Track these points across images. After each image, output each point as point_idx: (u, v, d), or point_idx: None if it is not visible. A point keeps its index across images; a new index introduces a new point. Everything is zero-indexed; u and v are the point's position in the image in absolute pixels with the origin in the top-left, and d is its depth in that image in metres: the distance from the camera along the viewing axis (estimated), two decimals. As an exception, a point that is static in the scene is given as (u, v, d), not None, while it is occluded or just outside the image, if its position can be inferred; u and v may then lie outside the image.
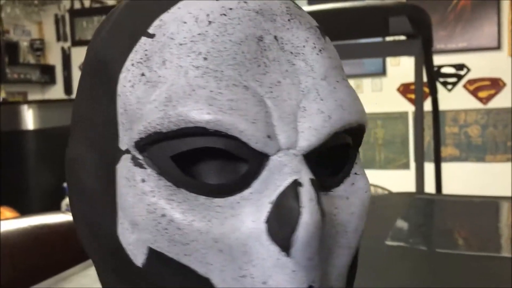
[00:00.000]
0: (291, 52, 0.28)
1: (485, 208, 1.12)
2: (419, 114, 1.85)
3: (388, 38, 2.33)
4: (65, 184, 3.36)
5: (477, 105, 3.85)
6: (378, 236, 0.93)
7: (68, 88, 5.15)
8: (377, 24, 1.97)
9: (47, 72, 5.16)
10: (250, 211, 0.26)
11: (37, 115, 3.47)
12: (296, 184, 0.25)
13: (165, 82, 0.26)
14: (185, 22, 0.27)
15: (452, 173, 3.61)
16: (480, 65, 3.78)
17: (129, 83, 0.27)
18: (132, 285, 0.28)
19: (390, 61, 3.98)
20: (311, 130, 0.27)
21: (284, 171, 0.26)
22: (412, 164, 3.79)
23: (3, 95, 4.69)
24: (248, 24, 0.27)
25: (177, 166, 0.27)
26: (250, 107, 0.26)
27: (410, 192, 1.38)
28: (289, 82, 0.27)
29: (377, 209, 1.16)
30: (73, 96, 5.09)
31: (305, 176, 0.25)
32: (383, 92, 4.02)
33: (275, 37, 0.28)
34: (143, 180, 0.26)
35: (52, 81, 5.19)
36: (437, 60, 3.58)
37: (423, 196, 1.26)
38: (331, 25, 0.40)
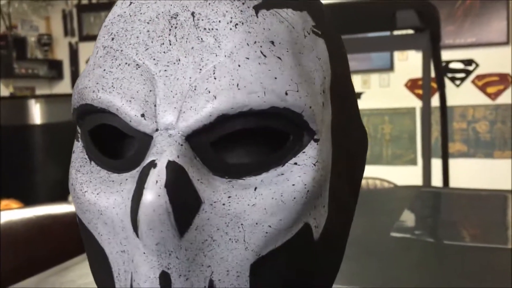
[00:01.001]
0: (205, 28, 0.27)
1: (491, 201, 1.11)
2: (426, 108, 1.84)
3: (396, 32, 2.32)
4: (72, 178, 3.38)
5: (486, 100, 3.82)
6: (384, 228, 0.92)
7: (75, 83, 5.16)
8: (385, 18, 1.95)
9: (55, 67, 5.17)
10: (129, 189, 0.26)
11: (44, 109, 3.49)
12: (151, 165, 0.24)
13: (88, 63, 0.30)
14: (116, 5, 0.30)
15: (460, 169, 3.59)
16: (489, 61, 3.75)
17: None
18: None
19: (397, 56, 3.96)
20: (191, 111, 0.25)
21: (151, 151, 0.25)
22: (420, 160, 3.77)
23: (11, 90, 4.71)
24: (165, 2, 0.27)
25: (107, 142, 0.29)
26: (133, 85, 0.26)
27: (416, 185, 1.37)
28: (190, 60, 0.26)
29: (383, 201, 1.15)
30: (81, 91, 5.10)
31: (164, 158, 0.24)
32: (390, 87, 3.99)
33: (193, 14, 0.27)
34: (73, 151, 0.30)
35: (59, 76, 5.21)
36: (446, 55, 3.55)
37: (429, 189, 1.25)
38: (339, 19, 0.36)
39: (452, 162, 2.39)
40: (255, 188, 0.26)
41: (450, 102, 2.41)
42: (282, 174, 0.27)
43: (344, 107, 0.32)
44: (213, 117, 0.25)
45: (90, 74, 0.28)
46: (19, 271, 0.79)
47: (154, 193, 0.23)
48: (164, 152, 0.24)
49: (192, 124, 0.25)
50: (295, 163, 0.27)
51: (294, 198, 0.26)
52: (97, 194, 0.27)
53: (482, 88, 3.82)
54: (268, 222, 0.26)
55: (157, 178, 0.23)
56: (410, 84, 3.96)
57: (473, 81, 3.84)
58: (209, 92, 0.25)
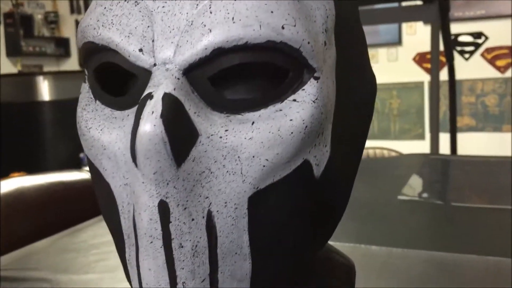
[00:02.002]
0: None
1: (498, 166, 1.11)
2: (435, 78, 1.82)
3: (405, 3, 2.29)
4: (81, 154, 3.40)
5: (495, 74, 3.79)
6: (391, 192, 0.93)
7: (82, 61, 5.16)
8: (393, -11, 1.93)
9: (62, 45, 5.17)
10: (130, 124, 0.26)
11: (52, 86, 3.50)
12: (147, 97, 0.24)
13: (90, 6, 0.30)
14: None
15: (468, 143, 3.58)
16: (499, 33, 3.70)
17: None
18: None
19: (406, 30, 3.91)
20: (187, 45, 0.26)
21: (149, 84, 0.25)
22: (427, 135, 3.76)
23: (19, 68, 4.72)
24: None
25: (111, 82, 0.29)
26: (131, 21, 0.27)
27: (424, 153, 1.37)
28: None
29: (391, 168, 1.16)
30: (88, 68, 5.10)
31: (160, 90, 0.24)
32: (398, 62, 3.96)
33: None
34: (81, 92, 0.31)
35: (67, 53, 5.21)
36: (455, 28, 3.51)
37: (437, 156, 1.25)
38: None
39: (460, 136, 2.38)
40: (253, 123, 0.26)
41: (458, 75, 2.38)
42: (281, 110, 0.27)
43: (351, 51, 0.32)
44: (209, 50, 0.25)
45: (92, 13, 0.28)
46: (32, 235, 0.81)
47: (150, 123, 0.23)
48: (160, 84, 0.25)
49: (188, 58, 0.25)
50: (294, 100, 0.27)
51: (292, 133, 0.26)
52: (101, 130, 0.28)
53: (491, 61, 3.78)
54: (265, 156, 0.26)
55: (152, 109, 0.24)
56: (418, 58, 3.92)
57: (482, 54, 3.80)
58: (205, 26, 0.25)
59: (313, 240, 0.31)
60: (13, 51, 4.70)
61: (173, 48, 0.26)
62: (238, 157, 0.26)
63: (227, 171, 0.26)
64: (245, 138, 0.26)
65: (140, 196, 0.25)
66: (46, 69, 4.99)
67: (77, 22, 5.12)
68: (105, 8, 0.28)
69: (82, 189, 0.99)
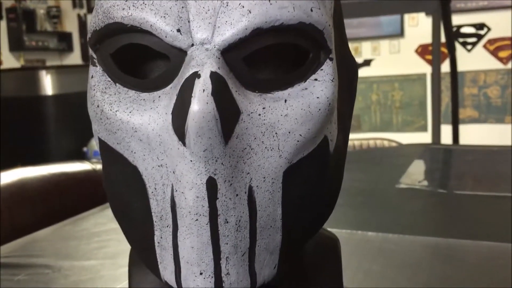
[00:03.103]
0: None
1: (498, 155, 1.11)
2: (436, 69, 1.83)
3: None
4: (85, 148, 3.42)
5: (497, 65, 3.78)
6: (390, 180, 0.94)
7: (85, 55, 5.18)
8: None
9: (64, 40, 5.18)
10: (165, 104, 0.27)
11: (55, 80, 3.51)
12: (194, 75, 0.25)
13: None
14: None
15: (471, 134, 3.58)
16: (501, 24, 3.68)
17: None
18: (103, 174, 0.32)
19: (408, 22, 3.91)
20: (227, 25, 0.26)
21: (191, 64, 0.26)
22: (430, 127, 3.75)
23: (22, 62, 4.74)
24: None
25: (125, 66, 0.29)
26: (165, 2, 0.26)
27: (424, 143, 1.38)
28: None
29: (390, 157, 1.17)
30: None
31: (207, 69, 0.25)
32: (400, 53, 3.95)
33: None
34: (92, 76, 0.30)
35: (69, 48, 5.22)
36: (457, 19, 3.50)
37: (437, 146, 1.26)
38: None
39: (462, 128, 2.38)
40: (285, 100, 0.28)
41: (461, 67, 2.38)
42: (306, 88, 0.28)
43: (341, 34, 0.34)
44: (248, 31, 0.26)
45: None
46: (34, 225, 0.82)
47: (202, 101, 0.24)
48: (205, 63, 0.25)
49: (229, 38, 0.26)
50: (315, 79, 0.28)
51: (319, 109, 0.28)
52: (130, 113, 0.27)
53: (494, 53, 3.77)
54: (299, 131, 0.27)
55: (203, 87, 0.24)
56: (420, 50, 3.91)
57: (484, 46, 3.79)
58: (243, 7, 0.26)
59: (327, 216, 0.33)
60: (16, 45, 4.71)
61: (210, 28, 0.26)
62: (276, 133, 0.27)
63: (265, 147, 0.27)
64: (281, 115, 0.27)
65: (186, 175, 0.25)
66: (48, 63, 5.01)
67: (79, 17, 5.13)
68: None
69: (84, 180, 1.00)
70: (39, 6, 4.98)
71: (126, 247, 0.69)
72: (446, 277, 0.55)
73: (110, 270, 0.60)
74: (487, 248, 0.62)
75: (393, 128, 4.03)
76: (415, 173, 1.00)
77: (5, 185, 0.87)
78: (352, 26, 3.79)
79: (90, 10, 5.08)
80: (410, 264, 0.59)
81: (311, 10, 0.28)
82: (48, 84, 3.49)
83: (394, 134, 3.93)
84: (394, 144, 1.61)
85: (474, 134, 3.67)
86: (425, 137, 3.73)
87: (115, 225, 0.81)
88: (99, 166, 1.05)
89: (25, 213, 0.87)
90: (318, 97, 0.28)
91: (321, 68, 0.29)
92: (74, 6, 5.14)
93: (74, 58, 5.21)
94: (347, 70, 0.34)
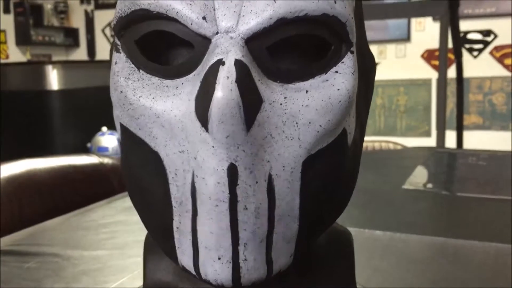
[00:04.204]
0: None
1: (500, 160, 1.12)
2: (442, 71, 1.83)
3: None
4: (89, 144, 3.43)
5: (503, 72, 3.78)
6: (396, 182, 0.94)
7: (91, 51, 5.19)
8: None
9: (71, 35, 5.20)
10: (188, 91, 0.27)
11: (61, 75, 3.52)
12: (219, 63, 0.25)
13: None
14: None
15: (475, 141, 3.58)
16: (508, 32, 3.69)
17: None
18: (122, 160, 0.32)
19: (414, 26, 3.91)
20: (251, 14, 0.26)
21: (215, 51, 0.26)
22: (434, 132, 3.76)
23: (28, 56, 4.76)
24: None
25: (149, 52, 0.29)
26: None
27: (429, 146, 1.38)
28: None
29: (396, 159, 1.17)
30: (96, 58, 5.14)
31: (231, 57, 0.25)
32: (406, 58, 3.96)
33: None
34: (116, 62, 0.30)
35: (75, 44, 5.23)
36: (464, 25, 3.50)
37: (442, 149, 1.27)
38: None
39: (467, 134, 2.39)
40: (306, 91, 0.28)
41: (466, 73, 2.39)
42: (327, 80, 0.28)
43: (361, 30, 0.34)
44: (273, 20, 0.27)
45: None
46: (43, 216, 0.83)
47: (226, 88, 0.24)
48: (229, 51, 0.26)
49: (253, 27, 0.26)
50: (336, 71, 0.29)
51: (340, 101, 0.28)
52: (153, 99, 0.28)
53: (500, 60, 3.77)
54: (319, 122, 0.28)
55: (227, 74, 0.24)
56: (426, 55, 3.91)
57: (491, 52, 3.79)
58: None
59: (343, 209, 0.33)
60: (22, 40, 4.72)
61: (235, 17, 0.27)
62: (296, 123, 0.27)
63: (286, 136, 0.27)
64: (302, 105, 0.27)
65: (208, 161, 0.26)
66: (54, 58, 5.02)
67: (86, 13, 5.14)
68: None
69: (91, 173, 1.01)
70: (46, 1, 5.00)
71: (134, 238, 0.70)
72: (452, 275, 0.56)
73: (118, 260, 0.61)
74: (490, 248, 0.62)
75: (397, 133, 4.03)
76: (421, 176, 1.01)
77: (14, 175, 0.87)
78: (358, 29, 3.77)
79: (97, 6, 5.09)
80: (416, 262, 0.59)
81: (335, 2, 0.28)
82: (54, 79, 3.50)
83: (398, 138, 3.93)
84: (399, 147, 1.62)
85: (478, 141, 3.67)
86: (429, 142, 3.72)
87: (122, 217, 0.82)
88: (106, 160, 1.05)
89: (34, 203, 0.88)
90: (338, 89, 0.28)
91: (342, 61, 0.29)
92: (82, 2, 5.15)
93: (80, 53, 5.23)
94: (366, 64, 0.34)
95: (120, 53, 0.30)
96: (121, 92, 0.29)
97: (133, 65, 0.29)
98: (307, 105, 0.28)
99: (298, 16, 0.27)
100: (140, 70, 0.29)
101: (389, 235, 0.67)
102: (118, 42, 0.30)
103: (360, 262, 0.58)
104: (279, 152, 0.27)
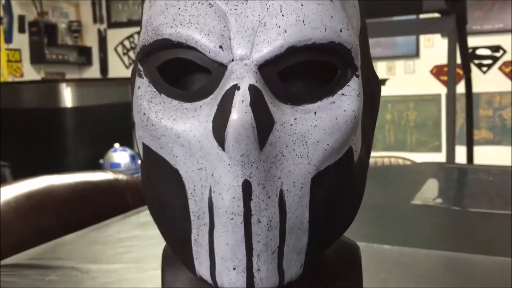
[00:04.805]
0: None
1: (509, 175, 1.13)
2: (451, 87, 1.84)
3: (422, 16, 2.32)
4: (101, 160, 3.47)
5: (513, 87, 3.78)
6: (405, 197, 0.96)
7: (104, 69, 5.27)
8: (411, 1, 1.96)
9: (84, 54, 5.28)
10: (206, 113, 0.29)
11: (75, 93, 3.58)
12: (234, 87, 0.28)
13: (154, 5, 0.32)
14: None
15: (485, 156, 3.56)
16: (517, 47, 3.70)
17: (146, 6, 0.33)
18: (143, 176, 0.35)
19: (423, 42, 3.93)
20: (264, 43, 0.29)
21: (231, 77, 0.28)
22: (444, 148, 3.75)
23: (42, 75, 4.84)
24: None
25: (169, 78, 0.32)
26: (209, 21, 0.29)
27: (438, 162, 1.39)
28: (257, 0, 0.30)
29: (405, 175, 1.18)
30: (109, 76, 5.21)
31: (246, 82, 0.28)
32: (416, 74, 3.97)
33: None
34: (139, 87, 0.32)
35: (88, 62, 5.31)
36: (473, 41, 3.51)
37: (452, 165, 1.28)
38: (365, 3, 0.39)
39: (477, 150, 2.39)
40: (315, 113, 0.30)
41: (476, 89, 2.40)
42: (334, 102, 0.31)
43: (366, 54, 0.37)
44: (284, 48, 0.29)
45: (165, 12, 0.30)
46: (60, 231, 0.86)
47: (241, 110, 0.26)
48: (244, 77, 0.28)
49: (266, 54, 0.29)
50: (343, 94, 0.31)
51: (346, 121, 0.31)
52: (173, 120, 0.30)
53: (509, 75, 3.77)
54: (327, 141, 0.30)
55: (242, 98, 0.27)
56: (435, 71, 3.93)
57: (500, 68, 3.80)
58: (279, 27, 0.29)
59: (350, 222, 0.35)
60: (37, 58, 4.81)
61: (249, 46, 0.29)
62: (306, 142, 0.30)
63: (296, 155, 0.30)
64: (311, 126, 0.30)
65: (224, 177, 0.28)
66: (68, 76, 5.10)
67: (99, 32, 5.23)
68: (179, 8, 0.30)
69: (106, 189, 1.04)
70: (60, 21, 5.10)
71: (150, 252, 0.72)
72: (460, 289, 0.57)
73: (135, 273, 0.63)
74: (500, 263, 0.63)
75: (407, 148, 4.03)
76: (430, 191, 1.02)
77: (33, 191, 0.90)
78: (367, 45, 3.81)
79: (110, 25, 5.18)
80: (424, 276, 0.61)
81: (341, 31, 0.30)
82: (67, 97, 3.55)
83: (408, 153, 3.92)
84: (408, 163, 1.63)
85: (488, 156, 3.66)
86: (439, 158, 3.72)
87: (138, 232, 0.84)
88: (121, 176, 1.08)
89: (51, 218, 0.90)
90: (345, 110, 0.31)
91: (348, 84, 0.31)
92: (95, 21, 5.25)
93: (93, 72, 5.31)
94: (371, 86, 0.37)
95: (143, 78, 0.32)
96: (144, 114, 0.31)
97: (155, 89, 0.32)
98: (315, 126, 0.30)
99: (307, 44, 0.29)
100: (162, 94, 0.31)
101: (397, 250, 0.68)
102: (141, 68, 0.33)
103: (368, 275, 0.59)
104: (290, 169, 0.29)
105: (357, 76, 0.32)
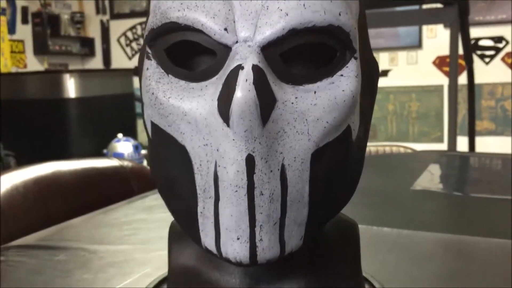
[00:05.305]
0: None
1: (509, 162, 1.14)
2: (453, 78, 1.85)
3: (425, 6, 2.32)
4: (105, 150, 3.49)
5: (515, 78, 3.79)
6: (405, 183, 0.97)
7: (106, 60, 5.28)
8: (413, -8, 1.97)
9: (87, 45, 5.30)
10: (212, 92, 0.31)
11: (78, 84, 3.60)
12: (238, 67, 0.29)
13: None
14: None
15: (487, 147, 3.57)
16: (520, 38, 3.70)
17: None
18: (152, 155, 0.36)
19: (426, 33, 3.93)
20: (267, 26, 0.30)
21: (235, 58, 0.30)
22: (446, 138, 3.76)
23: (45, 66, 4.85)
24: None
25: (176, 59, 0.33)
26: (214, 5, 0.31)
27: (440, 150, 1.40)
28: None
29: (406, 162, 1.20)
30: (112, 67, 5.22)
31: (249, 62, 0.29)
32: (418, 65, 3.98)
33: None
34: (147, 68, 0.34)
35: (91, 53, 5.33)
36: (475, 32, 3.51)
37: (453, 152, 1.29)
38: None
39: (479, 140, 2.40)
40: (315, 92, 0.32)
41: (479, 80, 2.40)
42: (333, 83, 0.32)
43: (364, 37, 0.38)
44: (285, 31, 0.30)
45: None
46: (67, 214, 0.87)
47: (245, 89, 0.28)
48: (248, 58, 0.30)
49: (268, 36, 0.30)
50: (341, 75, 0.33)
51: (344, 101, 0.32)
52: (181, 99, 0.32)
53: (512, 66, 3.78)
54: (326, 119, 0.32)
55: (246, 77, 0.28)
56: (438, 62, 3.93)
57: (502, 59, 3.80)
58: (281, 10, 0.31)
59: (349, 198, 0.37)
60: (40, 49, 4.82)
61: (253, 28, 0.31)
62: (306, 119, 0.31)
63: (297, 131, 0.31)
64: (311, 104, 0.31)
65: (228, 152, 0.30)
66: (71, 67, 5.11)
67: (102, 23, 5.24)
68: None
69: (112, 175, 1.05)
70: (63, 12, 5.10)
71: (156, 234, 0.74)
72: (457, 269, 0.58)
73: (142, 254, 0.65)
74: (499, 245, 0.65)
75: (409, 139, 4.04)
76: (430, 177, 1.03)
77: (41, 177, 0.92)
78: (370, 36, 3.81)
79: (112, 16, 5.19)
80: (423, 257, 0.62)
81: (340, 14, 0.32)
82: (71, 87, 3.57)
83: (410, 144, 3.93)
84: (409, 151, 1.64)
85: (490, 146, 3.67)
86: (441, 148, 3.73)
87: (143, 215, 0.86)
88: (126, 163, 1.10)
89: (58, 203, 0.92)
90: (343, 90, 0.32)
91: (346, 66, 0.33)
92: (98, 12, 5.25)
93: (96, 63, 5.32)
94: (369, 68, 0.38)
95: (151, 60, 0.34)
96: (153, 93, 0.33)
97: (162, 71, 0.33)
98: (315, 104, 0.31)
99: (307, 27, 0.31)
100: (169, 75, 0.33)
101: (396, 232, 0.70)
102: (149, 51, 0.34)
103: (367, 256, 0.61)
104: (291, 145, 0.31)
105: (355, 58, 0.33)
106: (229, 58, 0.31)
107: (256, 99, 0.28)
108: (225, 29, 0.31)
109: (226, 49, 0.31)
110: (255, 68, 0.29)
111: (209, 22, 0.31)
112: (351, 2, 0.34)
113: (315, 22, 0.31)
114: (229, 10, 0.31)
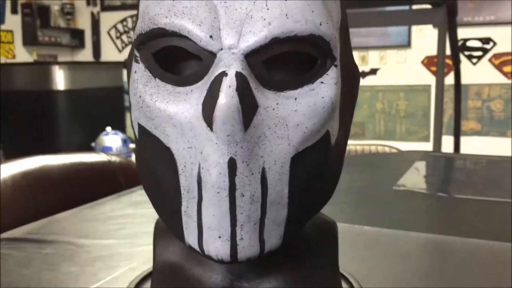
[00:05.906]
0: None
1: (496, 164, 1.16)
2: (440, 77, 1.88)
3: (415, 7, 2.35)
4: (93, 144, 3.49)
5: (502, 79, 3.82)
6: (387, 183, 0.99)
7: (96, 52, 5.25)
8: (403, -8, 1.99)
9: (77, 36, 5.26)
10: (197, 97, 0.32)
11: (67, 76, 3.58)
12: (222, 74, 0.30)
13: None
14: None
15: (473, 147, 3.62)
16: (507, 39, 3.74)
17: None
18: (138, 154, 0.37)
19: (415, 33, 3.96)
20: (250, 34, 0.32)
21: (219, 64, 0.31)
22: (432, 137, 3.80)
23: (34, 57, 4.82)
24: None
25: (163, 63, 0.34)
26: (200, 13, 0.32)
27: (424, 150, 1.43)
28: None
29: (389, 161, 1.22)
30: (101, 59, 5.20)
31: (233, 69, 0.30)
32: (407, 64, 4.01)
33: None
34: (135, 72, 0.35)
35: (81, 45, 5.30)
36: (463, 33, 3.55)
37: (437, 153, 1.31)
38: None
39: (465, 140, 2.43)
40: (295, 98, 0.33)
41: (466, 80, 2.43)
42: (313, 89, 0.34)
43: (346, 44, 0.40)
44: (268, 39, 0.32)
45: (160, 4, 0.33)
46: (55, 208, 0.88)
47: (229, 95, 0.29)
48: (231, 65, 0.31)
49: (252, 45, 0.32)
50: (322, 82, 0.34)
51: (324, 107, 0.34)
52: (167, 103, 0.33)
53: (499, 67, 3.82)
54: (305, 124, 0.33)
55: (229, 83, 0.30)
56: (426, 61, 3.96)
57: (490, 60, 3.84)
58: (264, 19, 0.32)
59: (327, 200, 0.38)
60: (29, 40, 4.79)
61: (237, 36, 0.32)
62: (286, 125, 0.33)
63: (277, 136, 0.33)
64: (291, 110, 0.33)
65: (211, 155, 0.31)
66: (60, 59, 5.08)
67: (92, 14, 5.21)
68: (174, 0, 0.33)
69: (100, 170, 1.06)
70: (53, 3, 5.07)
71: (141, 229, 0.75)
72: (434, 268, 0.60)
73: (127, 248, 0.66)
74: (479, 245, 0.66)
75: (396, 137, 4.08)
76: (413, 177, 1.06)
77: (29, 171, 0.93)
78: (360, 35, 3.85)
79: (103, 8, 5.16)
80: (402, 255, 0.64)
81: (321, 24, 0.33)
82: (60, 79, 3.56)
83: (397, 143, 3.97)
84: (394, 151, 1.67)
85: (475, 147, 3.72)
86: (427, 147, 3.76)
87: (130, 210, 0.87)
88: (113, 158, 1.11)
89: (47, 197, 0.93)
90: (323, 97, 0.34)
91: (327, 73, 0.34)
92: (88, 3, 5.22)
93: (86, 54, 5.29)
94: (350, 75, 0.40)
95: (139, 63, 0.35)
96: (140, 96, 0.34)
97: (150, 74, 0.34)
98: (295, 110, 0.33)
99: (289, 36, 0.32)
100: (156, 79, 0.34)
101: (377, 231, 0.72)
102: (138, 54, 0.35)
103: (348, 253, 0.63)
104: (272, 149, 0.32)
105: (336, 66, 0.35)
106: (214, 64, 0.32)
107: (238, 105, 0.30)
108: (211, 37, 0.32)
109: (211, 56, 0.32)
110: (238, 75, 0.31)
111: (195, 29, 0.32)
112: (333, 10, 0.35)
113: (297, 31, 0.32)
114: (215, 18, 0.32)
